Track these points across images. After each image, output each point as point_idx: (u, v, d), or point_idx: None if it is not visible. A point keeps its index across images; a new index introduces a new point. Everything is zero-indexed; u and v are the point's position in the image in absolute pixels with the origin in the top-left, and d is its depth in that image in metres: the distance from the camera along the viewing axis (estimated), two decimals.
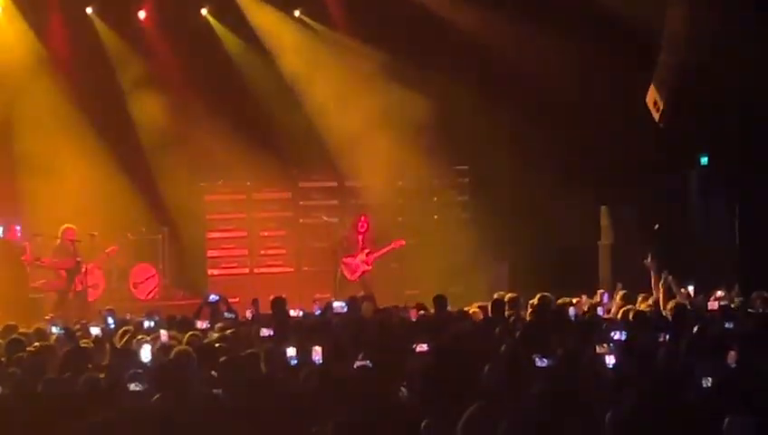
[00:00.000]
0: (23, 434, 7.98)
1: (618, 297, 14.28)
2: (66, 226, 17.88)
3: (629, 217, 19.11)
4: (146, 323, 13.15)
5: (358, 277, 18.76)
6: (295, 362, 9.90)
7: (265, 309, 14.21)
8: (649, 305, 13.77)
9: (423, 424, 7.18)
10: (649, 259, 14.79)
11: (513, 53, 18.58)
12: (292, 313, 13.75)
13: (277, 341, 11.41)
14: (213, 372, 9.17)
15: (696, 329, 10.99)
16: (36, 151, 18.66)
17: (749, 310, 13.17)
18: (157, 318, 13.37)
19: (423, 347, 10.17)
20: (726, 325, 11.59)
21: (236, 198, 20.20)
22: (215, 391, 8.55)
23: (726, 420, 6.86)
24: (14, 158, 18.91)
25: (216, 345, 10.68)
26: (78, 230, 17.87)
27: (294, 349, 10.08)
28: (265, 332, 11.95)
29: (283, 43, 20.31)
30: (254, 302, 14.55)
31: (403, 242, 18.93)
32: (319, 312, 14.09)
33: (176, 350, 10.12)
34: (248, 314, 14.18)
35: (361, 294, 16.52)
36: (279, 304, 13.88)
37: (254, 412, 8.16)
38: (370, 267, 18.76)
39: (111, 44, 19.85)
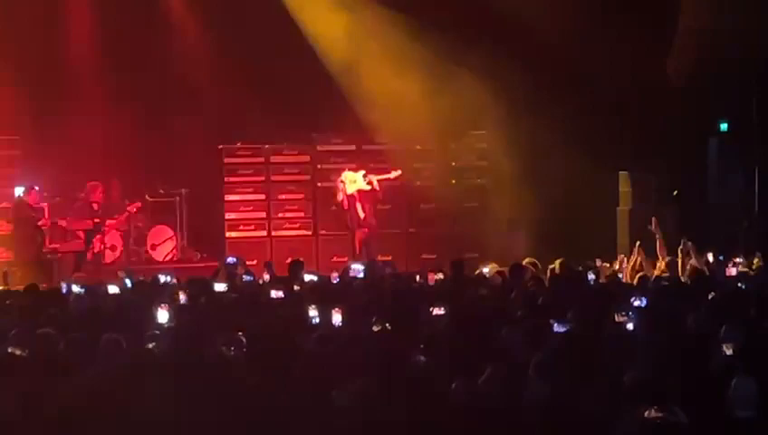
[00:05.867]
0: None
1: (637, 263, 14.23)
2: (93, 183, 17.89)
3: (648, 184, 19.03)
4: (162, 278, 13.19)
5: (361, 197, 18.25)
6: (317, 320, 9.92)
7: (283, 272, 14.20)
8: (662, 271, 13.74)
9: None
10: (653, 224, 14.75)
11: (533, 18, 18.43)
12: (306, 277, 13.64)
13: (291, 303, 11.44)
14: (240, 333, 9.18)
15: (713, 295, 10.97)
16: (53, 112, 18.62)
17: None
18: (174, 281, 13.39)
19: (440, 311, 10.18)
20: (740, 285, 11.60)
21: (255, 160, 20.17)
22: (231, 351, 8.56)
23: (733, 381, 6.84)
24: (30, 119, 18.80)
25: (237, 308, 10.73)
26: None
27: (316, 310, 10.12)
28: (274, 294, 11.94)
29: (302, 4, 20.19)
30: (267, 265, 14.48)
31: (399, 171, 18.70)
32: (337, 280, 13.94)
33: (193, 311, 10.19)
34: (265, 277, 14.17)
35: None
36: (296, 268, 13.87)
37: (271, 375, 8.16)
38: (371, 187, 18.24)
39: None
